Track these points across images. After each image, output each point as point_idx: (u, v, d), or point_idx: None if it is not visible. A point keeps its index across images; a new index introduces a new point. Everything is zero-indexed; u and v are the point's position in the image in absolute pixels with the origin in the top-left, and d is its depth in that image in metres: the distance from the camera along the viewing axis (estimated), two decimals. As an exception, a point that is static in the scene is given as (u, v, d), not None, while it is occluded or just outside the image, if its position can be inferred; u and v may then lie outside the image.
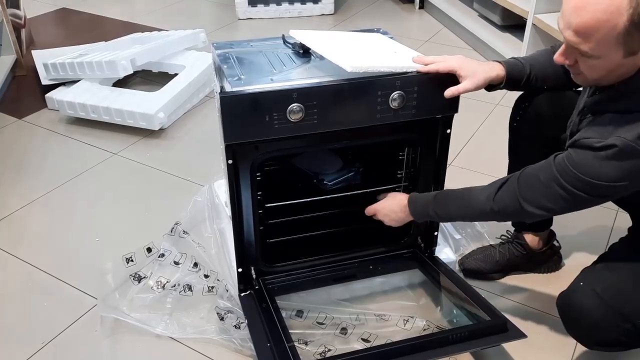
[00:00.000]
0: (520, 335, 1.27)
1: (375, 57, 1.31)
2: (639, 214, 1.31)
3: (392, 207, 1.42)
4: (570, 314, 1.23)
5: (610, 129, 1.04)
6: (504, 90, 1.39)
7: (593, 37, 0.99)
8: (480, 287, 1.54)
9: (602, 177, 1.05)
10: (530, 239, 1.57)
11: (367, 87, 1.24)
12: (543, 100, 1.37)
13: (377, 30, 1.52)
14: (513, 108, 1.44)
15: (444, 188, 1.49)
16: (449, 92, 1.26)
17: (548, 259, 1.61)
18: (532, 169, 1.16)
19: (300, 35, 1.37)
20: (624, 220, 1.40)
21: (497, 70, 1.29)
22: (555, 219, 1.54)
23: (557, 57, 1.10)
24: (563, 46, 1.08)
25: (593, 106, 1.13)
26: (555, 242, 1.60)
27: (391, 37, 1.48)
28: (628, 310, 1.15)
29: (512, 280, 1.61)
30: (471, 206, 1.25)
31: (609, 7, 0.95)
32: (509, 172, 1.52)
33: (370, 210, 1.47)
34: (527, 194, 1.15)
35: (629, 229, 1.35)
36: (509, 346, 1.38)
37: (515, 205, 1.16)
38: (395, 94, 1.26)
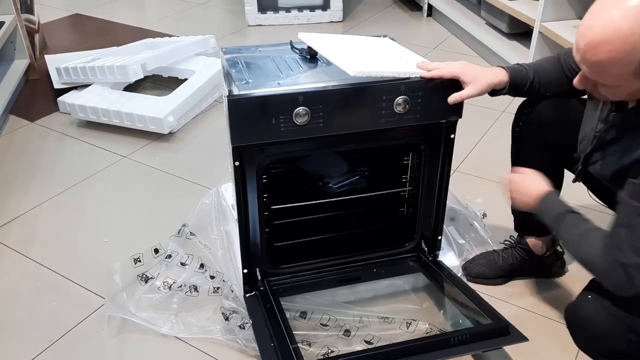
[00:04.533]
0: (521, 338, 1.27)
1: (379, 62, 1.33)
2: None
3: (530, 189, 1.28)
4: (578, 326, 1.23)
5: None
6: (510, 98, 1.41)
7: (609, 73, 1.00)
8: (483, 292, 1.55)
9: None
10: (533, 243, 1.57)
11: (372, 92, 1.26)
12: (547, 105, 1.38)
13: (384, 37, 1.54)
14: (516, 113, 1.46)
15: (448, 193, 1.51)
16: (452, 98, 1.27)
17: (551, 264, 1.61)
18: (615, 224, 1.11)
19: (308, 38, 1.39)
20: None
21: (500, 76, 1.31)
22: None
23: (576, 82, 1.10)
24: (581, 74, 1.08)
25: (623, 123, 1.13)
26: (558, 248, 1.60)
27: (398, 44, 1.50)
28: (635, 322, 1.16)
29: (515, 285, 1.62)
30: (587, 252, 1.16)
31: (623, 45, 0.95)
32: None
33: (505, 179, 1.36)
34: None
35: None
36: (511, 349, 1.38)
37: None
38: (399, 99, 1.28)
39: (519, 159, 1.48)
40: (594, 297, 1.21)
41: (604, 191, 1.36)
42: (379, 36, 1.55)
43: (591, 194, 1.42)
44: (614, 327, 1.16)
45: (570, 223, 1.20)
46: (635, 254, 1.06)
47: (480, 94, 1.28)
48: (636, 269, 1.06)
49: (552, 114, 1.37)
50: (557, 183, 1.48)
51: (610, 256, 1.09)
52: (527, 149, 1.44)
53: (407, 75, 1.27)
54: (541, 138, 1.39)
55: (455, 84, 1.28)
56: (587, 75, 1.05)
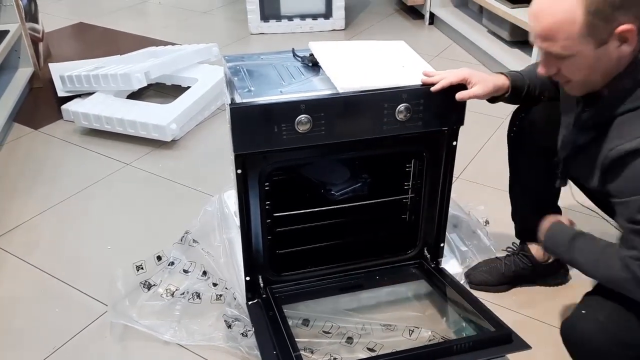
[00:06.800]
0: (524, 346, 1.27)
1: (375, 75, 1.33)
2: None
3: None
4: (574, 342, 1.22)
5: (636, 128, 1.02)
6: (511, 105, 1.41)
7: (558, 37, 1.03)
8: (486, 299, 1.55)
9: None
10: (536, 250, 1.57)
11: (374, 100, 1.27)
12: (537, 111, 1.40)
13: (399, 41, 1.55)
14: (510, 119, 1.48)
15: (450, 200, 1.51)
16: (460, 95, 1.29)
17: (554, 271, 1.61)
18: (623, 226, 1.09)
19: (316, 47, 1.41)
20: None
21: (502, 80, 1.33)
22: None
23: (540, 69, 1.13)
24: (541, 57, 1.11)
25: (593, 118, 1.13)
26: (560, 254, 1.60)
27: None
28: (631, 338, 1.14)
29: (518, 292, 1.62)
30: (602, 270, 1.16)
31: (562, 5, 1.00)
32: (510, 184, 1.54)
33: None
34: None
35: None
36: (514, 357, 1.38)
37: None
38: (401, 106, 1.28)
39: (516, 165, 1.50)
40: (588, 312, 1.20)
41: (591, 193, 1.36)
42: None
43: (576, 198, 1.40)
44: (611, 344, 1.14)
45: (583, 245, 1.20)
46: None
47: (486, 94, 1.30)
48: None
49: (541, 119, 1.38)
50: (553, 188, 1.48)
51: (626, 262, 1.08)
52: (520, 154, 1.46)
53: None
54: (532, 142, 1.41)
55: (457, 89, 1.29)
56: (542, 49, 1.07)
